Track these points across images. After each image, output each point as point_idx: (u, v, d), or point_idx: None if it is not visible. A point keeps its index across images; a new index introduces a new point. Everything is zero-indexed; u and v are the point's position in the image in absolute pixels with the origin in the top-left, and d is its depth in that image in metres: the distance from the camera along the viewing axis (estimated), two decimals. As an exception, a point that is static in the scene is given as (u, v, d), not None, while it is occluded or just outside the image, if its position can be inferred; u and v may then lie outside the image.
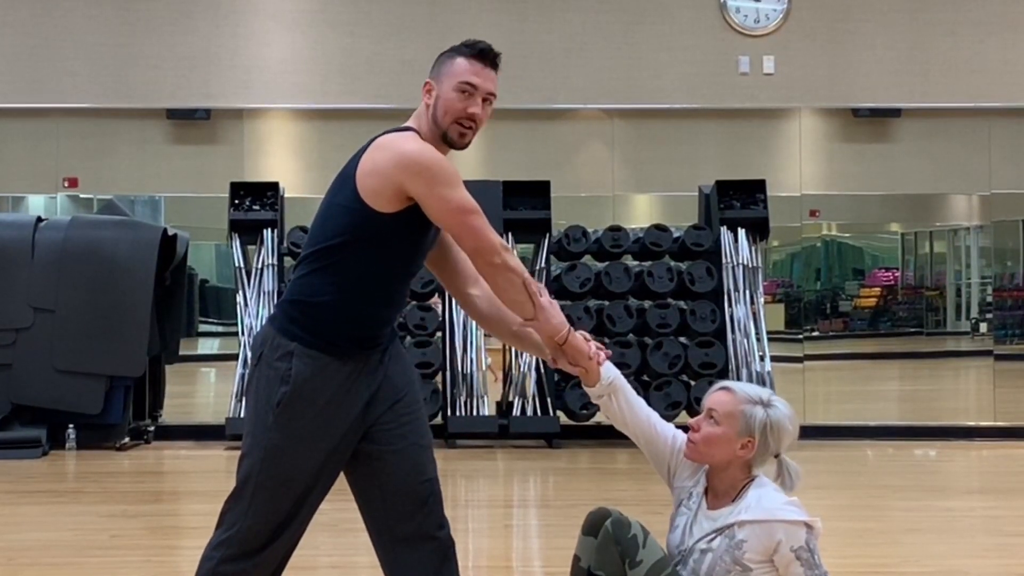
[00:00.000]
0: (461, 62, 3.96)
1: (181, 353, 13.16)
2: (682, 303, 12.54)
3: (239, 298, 12.50)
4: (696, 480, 4.18)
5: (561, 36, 14.08)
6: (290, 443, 3.90)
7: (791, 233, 14.67)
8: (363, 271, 3.90)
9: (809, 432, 11.49)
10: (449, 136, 3.96)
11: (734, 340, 12.20)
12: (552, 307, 3.97)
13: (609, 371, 4.15)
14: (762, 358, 12.16)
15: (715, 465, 4.10)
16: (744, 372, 12.03)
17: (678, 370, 12.19)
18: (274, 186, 12.96)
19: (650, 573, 3.97)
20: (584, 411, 12.02)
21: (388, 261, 3.93)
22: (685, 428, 4.25)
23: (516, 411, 12.08)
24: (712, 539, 4.03)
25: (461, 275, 4.22)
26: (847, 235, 15.99)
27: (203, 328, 15.74)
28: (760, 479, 4.10)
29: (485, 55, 3.98)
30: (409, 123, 4.02)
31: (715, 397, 4.13)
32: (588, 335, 4.14)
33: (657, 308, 12.43)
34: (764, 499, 4.01)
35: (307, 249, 3.98)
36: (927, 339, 15.77)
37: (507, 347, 12.46)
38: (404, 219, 3.87)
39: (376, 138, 3.95)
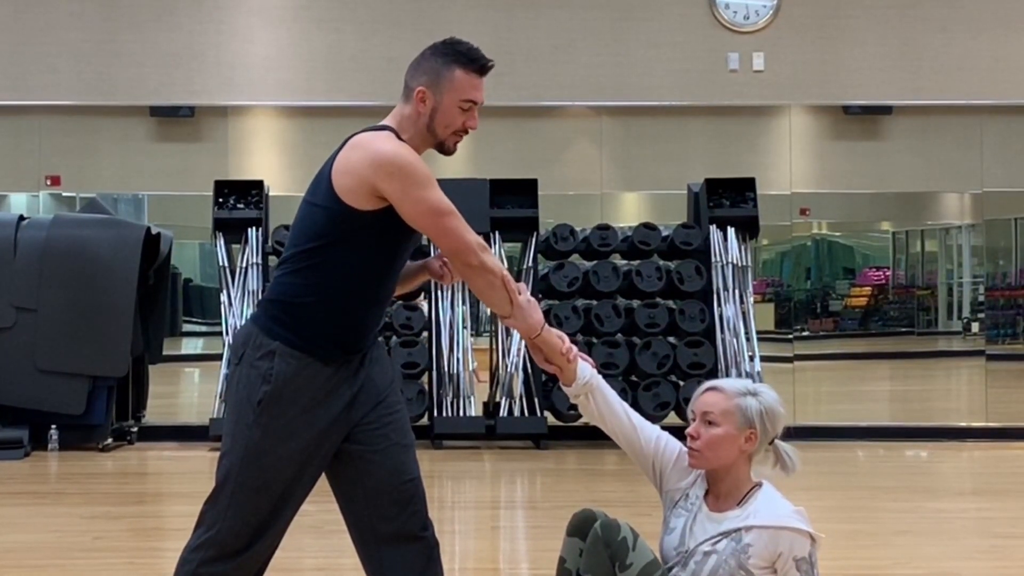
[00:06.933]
0: (462, 76, 3.90)
1: (164, 353, 13.10)
2: (671, 302, 12.51)
3: (223, 297, 12.46)
4: (693, 481, 4.13)
5: (548, 33, 14.00)
6: (271, 443, 3.86)
7: (781, 232, 14.62)
8: (346, 271, 3.86)
9: (799, 433, 11.46)
10: (447, 146, 3.96)
11: (723, 340, 12.18)
12: (529, 306, 3.94)
13: (584, 371, 4.11)
14: (751, 358, 12.15)
15: (721, 466, 4.05)
16: (733, 372, 12.00)
17: (667, 370, 12.16)
18: (258, 184, 12.90)
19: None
20: (572, 412, 11.94)
21: (371, 260, 3.89)
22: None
23: (503, 412, 12.03)
24: (717, 542, 3.99)
25: None
26: (838, 234, 15.97)
27: (187, 328, 15.70)
28: (766, 486, 4.08)
29: (485, 70, 3.95)
30: (387, 121, 3.96)
31: (705, 399, 4.09)
32: (564, 335, 4.09)
33: (646, 307, 12.39)
34: (774, 506, 3.99)
35: (289, 250, 3.94)
36: (918, 339, 15.75)
37: (494, 348, 12.42)
38: (384, 216, 3.83)
39: (351, 137, 3.91)
